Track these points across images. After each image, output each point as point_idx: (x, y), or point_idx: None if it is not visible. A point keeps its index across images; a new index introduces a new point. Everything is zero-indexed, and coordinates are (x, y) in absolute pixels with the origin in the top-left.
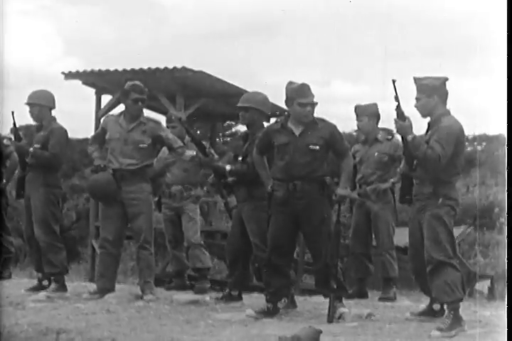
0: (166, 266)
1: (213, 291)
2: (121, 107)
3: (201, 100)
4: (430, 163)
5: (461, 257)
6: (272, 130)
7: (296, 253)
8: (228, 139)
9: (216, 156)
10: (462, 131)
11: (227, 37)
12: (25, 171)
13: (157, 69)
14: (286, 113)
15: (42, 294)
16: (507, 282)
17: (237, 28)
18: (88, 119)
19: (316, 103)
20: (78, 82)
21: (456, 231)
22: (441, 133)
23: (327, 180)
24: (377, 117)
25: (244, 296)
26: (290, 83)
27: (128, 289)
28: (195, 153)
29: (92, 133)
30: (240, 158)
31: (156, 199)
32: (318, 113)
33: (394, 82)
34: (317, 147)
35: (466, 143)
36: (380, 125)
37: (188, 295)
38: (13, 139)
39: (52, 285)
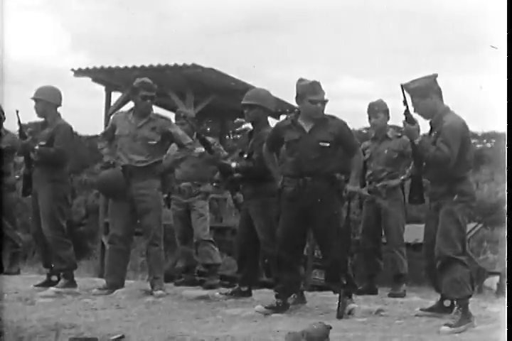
0: (175, 262)
1: (223, 287)
2: (131, 104)
3: (211, 97)
4: (440, 164)
5: (470, 253)
6: (282, 126)
7: (305, 249)
8: (238, 136)
9: (225, 153)
10: (465, 126)
11: (235, 33)
12: (30, 168)
13: (167, 66)
14: (296, 110)
15: (51, 290)
16: (507, 282)
17: (244, 23)
18: (98, 116)
19: (327, 100)
20: (88, 79)
21: (467, 227)
22: (445, 133)
23: (337, 176)
24: (389, 114)
25: (253, 292)
26: (301, 80)
27: (138, 285)
28: (203, 149)
29: (102, 130)
30: (246, 155)
31: (166, 195)
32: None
33: (402, 86)
34: (327, 144)
35: (476, 140)
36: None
37: (197, 291)
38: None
39: (62, 281)
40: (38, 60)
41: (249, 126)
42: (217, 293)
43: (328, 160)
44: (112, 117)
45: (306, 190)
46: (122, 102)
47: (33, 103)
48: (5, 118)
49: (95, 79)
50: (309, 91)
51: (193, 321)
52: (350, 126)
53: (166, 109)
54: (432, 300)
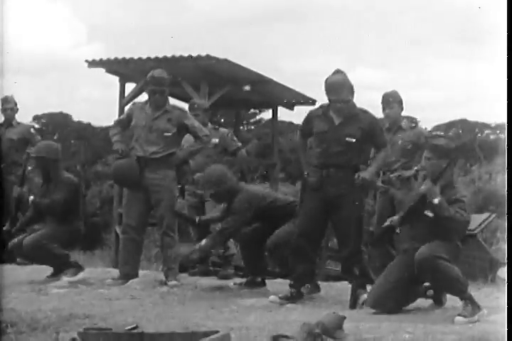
0: (190, 252)
1: (237, 277)
2: (145, 95)
3: (225, 88)
4: (458, 226)
5: (483, 244)
6: (313, 115)
7: None
8: (252, 127)
9: (239, 144)
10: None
11: (251, 24)
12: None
13: (181, 57)
14: (310, 101)
15: (65, 280)
16: (507, 282)
17: (260, 15)
18: (112, 107)
19: (347, 100)
20: (102, 70)
21: (479, 218)
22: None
23: (361, 168)
24: (402, 105)
25: (267, 282)
26: (335, 72)
27: (152, 275)
28: (218, 140)
29: None
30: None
31: (180, 186)
32: None
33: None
34: (353, 140)
35: (489, 131)
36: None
37: (212, 281)
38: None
39: (70, 270)
40: (52, 51)
41: (263, 116)
42: (232, 284)
43: (353, 154)
44: (128, 107)
45: (329, 181)
46: (136, 93)
47: (47, 96)
48: (17, 110)
49: (109, 70)
50: (328, 90)
51: (207, 311)
52: None
53: (180, 100)
54: None
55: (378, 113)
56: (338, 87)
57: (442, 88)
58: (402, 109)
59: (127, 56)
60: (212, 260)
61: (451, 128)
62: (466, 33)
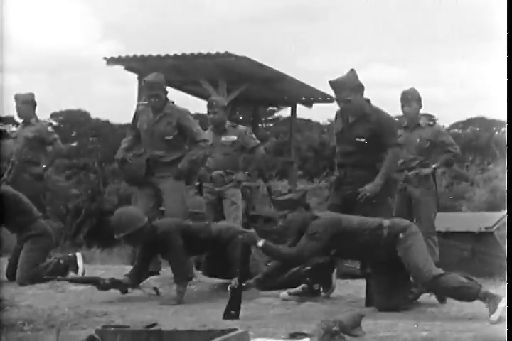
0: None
1: None
2: None
3: (244, 85)
4: None
5: (499, 241)
6: (336, 114)
7: None
8: (270, 124)
9: (257, 141)
10: None
11: (268, 21)
12: None
13: (200, 54)
14: (328, 98)
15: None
16: (507, 282)
17: (277, 12)
18: (130, 104)
19: (344, 100)
20: (120, 67)
21: (496, 216)
22: None
23: (377, 165)
24: (421, 102)
25: None
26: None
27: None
28: (236, 137)
29: None
30: None
31: (198, 183)
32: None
33: None
34: (363, 139)
35: (504, 129)
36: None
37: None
38: None
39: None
40: (68, 48)
41: (281, 114)
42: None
43: (366, 153)
44: (136, 107)
45: (346, 180)
46: None
47: (64, 93)
48: (33, 108)
49: (128, 68)
50: (333, 90)
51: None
52: None
53: (199, 97)
54: None
55: (393, 110)
56: (338, 86)
57: (460, 85)
58: (420, 107)
59: (146, 53)
60: None
61: (469, 126)
62: (483, 30)
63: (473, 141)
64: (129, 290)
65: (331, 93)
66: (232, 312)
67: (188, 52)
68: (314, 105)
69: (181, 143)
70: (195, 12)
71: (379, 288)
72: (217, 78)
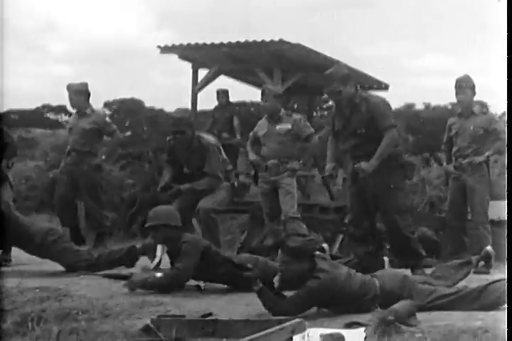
0: (263, 239)
1: None
2: (218, 81)
3: (298, 73)
4: None
5: None
6: (332, 113)
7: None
8: (325, 113)
9: (312, 130)
10: None
11: (322, 9)
12: None
13: (254, 42)
14: (383, 85)
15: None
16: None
17: (331, 1)
18: (184, 93)
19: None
20: (173, 56)
21: None
22: None
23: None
24: (475, 90)
25: None
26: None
27: None
28: (290, 126)
29: (189, 107)
30: None
31: (253, 173)
32: (409, 85)
33: None
34: (363, 130)
35: None
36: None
37: None
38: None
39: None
40: (121, 37)
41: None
42: None
43: (371, 141)
44: (167, 142)
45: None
46: (209, 79)
47: (117, 83)
48: (87, 98)
49: (182, 56)
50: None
51: None
52: (435, 102)
53: (253, 86)
54: None
55: (448, 97)
56: (327, 79)
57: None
58: (474, 94)
59: (200, 42)
60: None
61: None
62: None
63: None
64: None
65: (386, 80)
66: None
67: (242, 40)
68: (369, 92)
69: (224, 163)
70: (249, 0)
71: None
72: (271, 66)
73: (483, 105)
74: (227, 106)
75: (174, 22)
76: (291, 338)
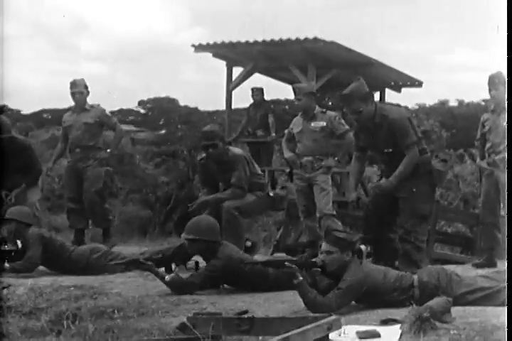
0: (299, 236)
1: None
2: (252, 79)
3: (332, 71)
4: None
5: None
6: (355, 130)
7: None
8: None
9: (346, 127)
10: None
11: (354, 6)
12: None
13: (288, 40)
14: (417, 82)
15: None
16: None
17: None
18: (218, 91)
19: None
20: (207, 54)
21: None
22: None
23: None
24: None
25: None
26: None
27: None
28: (325, 123)
29: (224, 105)
30: None
31: (288, 170)
32: (439, 82)
33: None
34: (390, 150)
35: None
36: None
37: None
38: None
39: None
40: (154, 36)
41: None
42: None
43: (399, 154)
44: (198, 161)
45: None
46: (244, 77)
47: (150, 81)
48: (88, 93)
49: (216, 55)
50: (343, 101)
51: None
52: (467, 98)
53: (287, 83)
54: None
55: (480, 93)
56: (348, 98)
57: None
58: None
59: (234, 40)
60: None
61: None
62: None
63: None
64: None
65: (419, 77)
66: None
67: (276, 38)
68: (403, 90)
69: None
70: None
71: None
72: (306, 64)
73: None
74: (262, 103)
75: (207, 20)
76: (328, 335)
